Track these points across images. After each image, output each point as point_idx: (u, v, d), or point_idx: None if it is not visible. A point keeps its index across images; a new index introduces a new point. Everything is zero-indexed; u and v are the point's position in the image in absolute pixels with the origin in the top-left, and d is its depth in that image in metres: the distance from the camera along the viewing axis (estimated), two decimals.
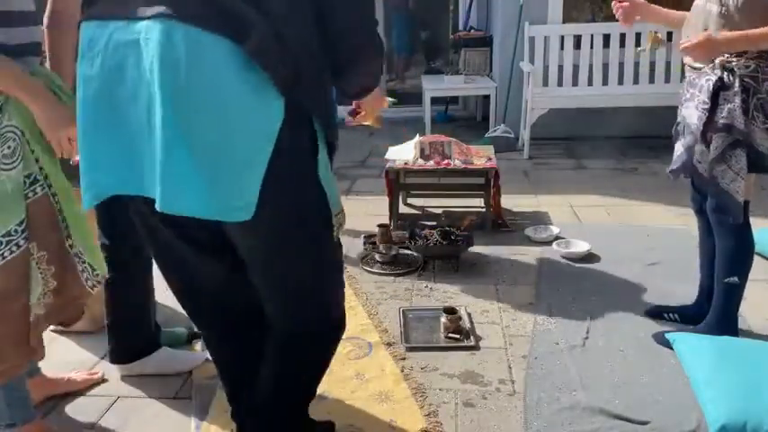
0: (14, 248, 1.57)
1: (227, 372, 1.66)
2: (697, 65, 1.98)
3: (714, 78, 1.92)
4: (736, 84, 1.89)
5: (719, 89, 1.92)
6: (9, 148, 1.54)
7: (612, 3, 2.23)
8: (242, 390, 1.62)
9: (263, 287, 1.43)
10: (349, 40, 1.29)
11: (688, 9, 2.10)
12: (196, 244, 1.40)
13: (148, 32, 1.11)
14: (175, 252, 1.44)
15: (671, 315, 2.37)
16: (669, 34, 4.80)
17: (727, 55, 1.88)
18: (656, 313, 2.40)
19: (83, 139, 1.27)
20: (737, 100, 1.89)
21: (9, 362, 1.65)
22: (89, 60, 1.20)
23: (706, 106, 1.95)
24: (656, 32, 2.13)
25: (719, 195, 1.98)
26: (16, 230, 1.57)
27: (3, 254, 1.56)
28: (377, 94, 1.59)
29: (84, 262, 1.72)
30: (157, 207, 1.17)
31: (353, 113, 1.78)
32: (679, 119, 2.14)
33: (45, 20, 1.76)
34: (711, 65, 1.92)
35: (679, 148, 2.13)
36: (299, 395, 1.59)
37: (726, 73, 1.90)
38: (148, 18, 1.11)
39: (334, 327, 1.52)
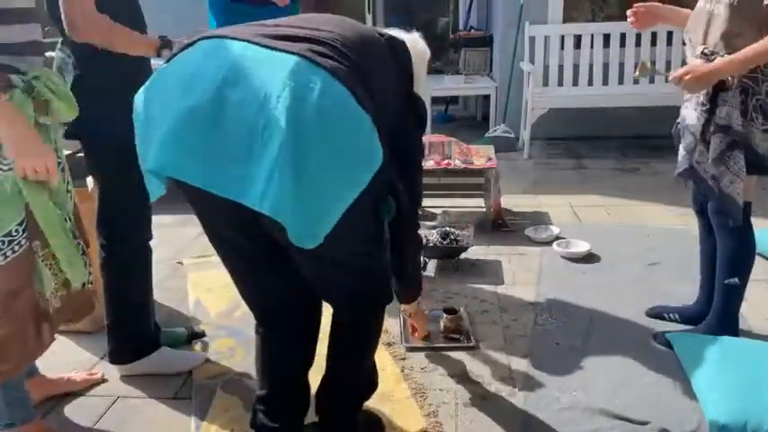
0: (16, 248, 1.58)
1: (277, 372, 1.70)
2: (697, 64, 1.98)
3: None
4: (735, 85, 1.88)
5: (718, 90, 1.91)
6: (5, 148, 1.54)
7: (629, 12, 2.21)
8: (290, 388, 1.71)
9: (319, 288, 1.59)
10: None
11: (690, 7, 2.10)
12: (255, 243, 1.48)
13: (287, 63, 1.24)
14: (237, 248, 1.53)
15: (671, 315, 2.37)
16: (669, 35, 4.81)
17: (727, 55, 1.88)
18: (657, 314, 2.40)
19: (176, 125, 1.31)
20: (736, 101, 1.89)
21: (13, 361, 1.65)
22: (205, 60, 1.31)
23: (705, 107, 1.95)
24: (643, 62, 2.14)
25: (719, 197, 1.98)
26: (17, 230, 1.57)
27: (5, 253, 1.56)
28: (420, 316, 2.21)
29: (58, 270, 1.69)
30: (259, 209, 1.24)
31: (411, 332, 2.30)
32: (679, 119, 2.14)
33: (74, 32, 1.76)
34: None
35: (681, 150, 2.13)
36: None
37: None
38: (288, 52, 1.26)
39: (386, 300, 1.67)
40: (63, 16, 1.75)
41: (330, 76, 1.24)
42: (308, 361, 1.73)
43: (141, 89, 1.40)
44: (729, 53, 1.87)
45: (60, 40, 1.89)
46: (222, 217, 1.44)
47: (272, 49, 1.28)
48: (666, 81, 2.02)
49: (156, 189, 1.39)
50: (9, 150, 1.53)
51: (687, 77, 1.88)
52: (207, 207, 1.45)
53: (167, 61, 1.40)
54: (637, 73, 2.16)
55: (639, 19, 2.19)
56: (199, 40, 1.37)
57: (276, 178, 1.20)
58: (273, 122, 1.20)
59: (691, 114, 2.02)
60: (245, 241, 1.48)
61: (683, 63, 2.12)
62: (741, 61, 1.82)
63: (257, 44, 1.29)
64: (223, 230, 1.51)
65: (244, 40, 1.31)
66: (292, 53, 1.26)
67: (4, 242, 1.55)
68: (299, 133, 1.19)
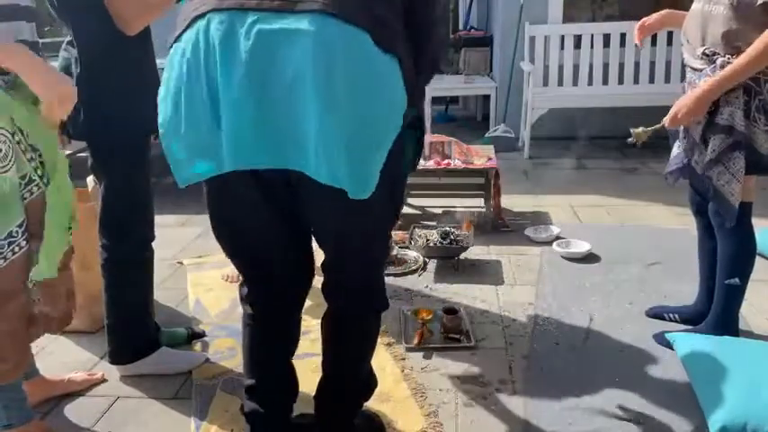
0: (17, 249, 1.58)
1: (266, 358, 1.70)
2: (698, 65, 1.97)
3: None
4: (738, 85, 1.88)
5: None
6: (0, 151, 1.53)
7: (636, 33, 2.25)
8: (278, 375, 1.71)
9: (331, 253, 1.56)
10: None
11: (685, 9, 2.10)
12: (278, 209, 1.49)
13: (300, 23, 1.22)
14: (255, 216, 1.51)
15: (671, 315, 2.37)
16: (669, 35, 4.81)
17: (728, 56, 1.88)
18: (656, 314, 2.40)
19: (195, 120, 1.30)
20: (739, 102, 1.88)
21: (11, 361, 1.65)
22: (225, 47, 1.25)
23: (707, 108, 1.93)
24: (637, 132, 2.15)
25: (714, 197, 1.98)
26: (17, 231, 1.57)
27: (5, 255, 1.56)
28: None
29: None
30: (318, 177, 1.28)
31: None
32: None
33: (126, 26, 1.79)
34: (712, 65, 1.91)
35: (675, 149, 2.13)
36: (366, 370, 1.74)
37: None
38: (299, 12, 1.23)
39: (383, 305, 1.68)
40: (114, 17, 1.77)
41: (346, 25, 1.24)
42: (294, 347, 1.75)
43: (171, 84, 1.34)
44: (730, 53, 1.87)
45: (66, 40, 1.89)
46: (250, 199, 1.45)
47: (283, 12, 1.25)
48: (665, 127, 2.03)
49: (191, 177, 1.38)
50: (35, 87, 1.51)
51: (681, 115, 1.92)
52: (235, 192, 1.45)
53: (178, 38, 1.33)
54: (632, 139, 2.17)
55: (646, 32, 2.24)
56: (209, 12, 1.29)
57: (322, 152, 1.25)
58: (308, 97, 1.22)
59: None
60: (268, 214, 1.49)
61: (683, 64, 2.12)
62: (726, 78, 1.84)
63: (268, 10, 1.25)
64: (250, 211, 1.49)
65: (256, 10, 1.26)
66: (304, 12, 1.24)
67: (4, 244, 1.55)
68: (332, 103, 1.22)
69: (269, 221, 1.49)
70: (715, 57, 1.90)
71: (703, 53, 1.93)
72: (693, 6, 2.02)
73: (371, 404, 1.94)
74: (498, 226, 3.37)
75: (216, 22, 1.25)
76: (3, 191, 1.54)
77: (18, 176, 1.57)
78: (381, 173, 1.32)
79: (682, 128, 2.09)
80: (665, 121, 1.98)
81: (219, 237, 1.56)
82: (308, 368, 2.13)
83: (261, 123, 1.27)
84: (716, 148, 1.92)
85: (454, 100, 6.68)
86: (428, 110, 5.43)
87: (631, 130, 2.17)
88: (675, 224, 3.34)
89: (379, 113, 1.29)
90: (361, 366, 1.71)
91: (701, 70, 1.96)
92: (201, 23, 1.27)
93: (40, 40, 1.81)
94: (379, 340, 2.29)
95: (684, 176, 2.13)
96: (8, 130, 1.55)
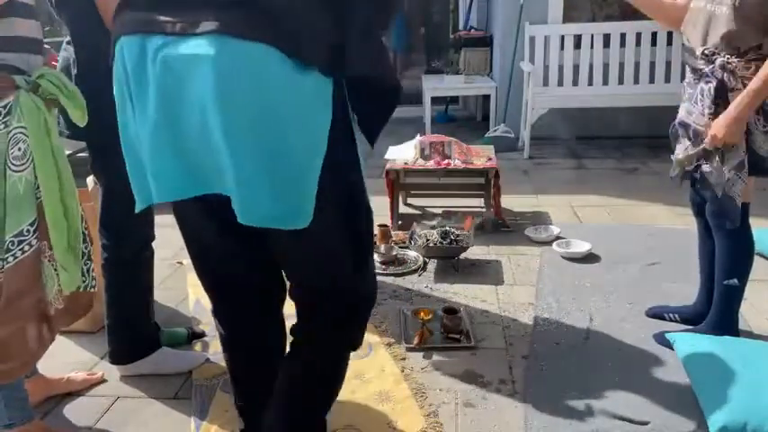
0: (26, 248, 1.58)
1: (241, 374, 1.62)
2: (698, 66, 1.97)
3: (714, 82, 1.90)
4: (740, 86, 1.88)
5: (722, 91, 1.90)
6: (20, 149, 1.55)
7: None
8: (254, 391, 1.61)
9: (296, 274, 1.45)
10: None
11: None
12: (234, 235, 1.39)
13: (200, 47, 1.11)
14: (215, 245, 1.47)
15: (671, 315, 2.37)
16: (669, 35, 4.81)
17: (727, 56, 1.88)
18: (656, 314, 2.40)
19: (132, 149, 1.28)
20: None
21: (17, 359, 1.65)
22: (137, 75, 1.19)
23: (711, 110, 1.92)
24: (682, 157, 2.09)
25: (719, 199, 1.97)
26: (28, 230, 1.58)
27: (14, 254, 1.56)
28: None
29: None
30: (239, 219, 1.19)
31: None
32: (678, 120, 2.12)
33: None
34: (711, 66, 1.91)
35: (680, 151, 2.09)
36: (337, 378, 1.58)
37: (727, 74, 1.89)
38: (200, 35, 1.12)
39: (369, 297, 1.50)
40: (102, 16, 1.77)
41: (250, 44, 1.11)
42: (275, 353, 1.61)
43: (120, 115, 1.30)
44: (730, 54, 1.87)
45: (66, 40, 1.89)
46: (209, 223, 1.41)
47: (185, 36, 1.13)
48: (707, 148, 1.98)
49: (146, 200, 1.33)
50: None
51: (721, 136, 1.87)
52: (195, 217, 1.42)
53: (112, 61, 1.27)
54: (676, 170, 2.13)
55: None
56: (122, 36, 1.21)
57: (243, 192, 1.17)
58: (217, 131, 1.14)
59: (696, 117, 1.98)
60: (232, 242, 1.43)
61: (683, 64, 2.11)
62: (756, 92, 1.81)
63: (172, 34, 1.14)
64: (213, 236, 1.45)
65: (162, 33, 1.15)
66: (204, 34, 1.12)
67: (14, 242, 1.56)
68: (239, 137, 1.13)
69: (225, 242, 1.43)
70: (714, 57, 1.90)
71: (703, 53, 1.93)
72: (693, 5, 2.01)
73: (372, 404, 1.94)
74: (498, 226, 3.37)
75: (127, 49, 1.19)
76: (17, 190, 1.54)
77: (34, 175, 1.58)
78: (322, 195, 1.22)
79: (684, 129, 2.07)
80: (706, 143, 1.94)
81: (189, 254, 1.53)
82: None
83: (179, 156, 1.21)
84: (727, 152, 1.92)
85: (454, 100, 6.68)
86: (428, 110, 5.45)
87: (673, 158, 2.14)
88: (675, 224, 3.34)
89: (294, 143, 1.17)
90: (318, 415, 1.54)
91: (700, 71, 1.96)
92: (118, 50, 1.21)
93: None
94: (378, 340, 2.31)
95: (687, 177, 2.12)
96: (28, 129, 1.56)
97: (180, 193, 1.27)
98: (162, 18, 1.16)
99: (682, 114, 2.08)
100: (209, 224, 1.41)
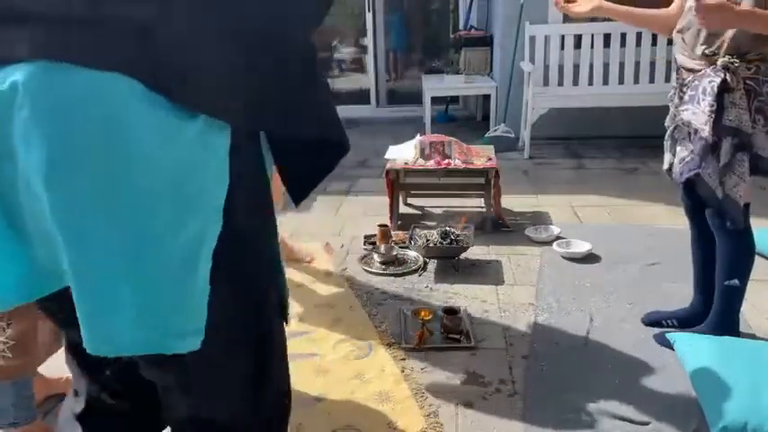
0: None
1: None
2: (695, 66, 1.96)
3: (718, 80, 1.88)
4: (741, 86, 1.87)
5: (723, 91, 1.89)
6: None
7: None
8: None
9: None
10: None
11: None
12: None
13: (15, 77, 0.77)
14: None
15: (669, 321, 2.35)
16: (669, 39, 4.80)
17: (728, 57, 1.87)
18: (654, 321, 2.36)
19: None
20: (744, 103, 1.87)
21: (32, 354, 1.67)
22: None
23: (712, 108, 1.89)
24: None
25: (720, 200, 1.96)
26: None
27: None
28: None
29: None
30: (87, 349, 0.84)
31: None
32: (675, 122, 2.07)
33: None
34: (713, 66, 1.90)
35: (681, 153, 2.05)
36: None
37: (729, 74, 1.87)
38: (18, 61, 0.78)
39: (284, 413, 1.17)
40: None
41: (89, 73, 0.76)
42: None
43: None
44: (731, 54, 1.87)
45: None
46: None
47: (2, 64, 0.79)
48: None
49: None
50: None
51: (708, 8, 1.79)
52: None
53: None
54: None
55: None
56: None
57: (86, 306, 0.82)
58: (43, 203, 0.79)
59: (698, 118, 1.94)
60: None
61: (678, 65, 2.11)
62: (759, 16, 1.77)
63: None
64: None
65: None
66: (21, 61, 0.77)
67: None
68: (76, 214, 0.78)
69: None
70: (715, 57, 1.89)
71: (703, 53, 1.93)
72: (688, 5, 2.00)
73: (372, 404, 1.94)
74: (498, 226, 3.37)
75: None
76: None
77: None
78: (219, 299, 0.88)
79: (685, 131, 2.04)
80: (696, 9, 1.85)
81: None
82: (309, 368, 2.14)
83: (14, 242, 0.87)
84: (726, 150, 1.91)
85: (454, 100, 6.67)
86: (428, 110, 5.45)
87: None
88: (675, 224, 3.33)
89: (166, 224, 0.81)
90: None
91: (699, 71, 1.95)
92: None
93: None
94: (378, 340, 2.31)
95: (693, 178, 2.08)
96: None
97: (24, 295, 0.92)
98: None
99: (685, 116, 2.01)
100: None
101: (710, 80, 1.90)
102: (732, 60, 1.87)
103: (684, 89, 2.02)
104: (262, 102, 0.89)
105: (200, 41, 0.83)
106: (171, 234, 0.82)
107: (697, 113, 1.96)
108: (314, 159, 1.01)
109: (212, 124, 0.84)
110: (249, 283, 0.97)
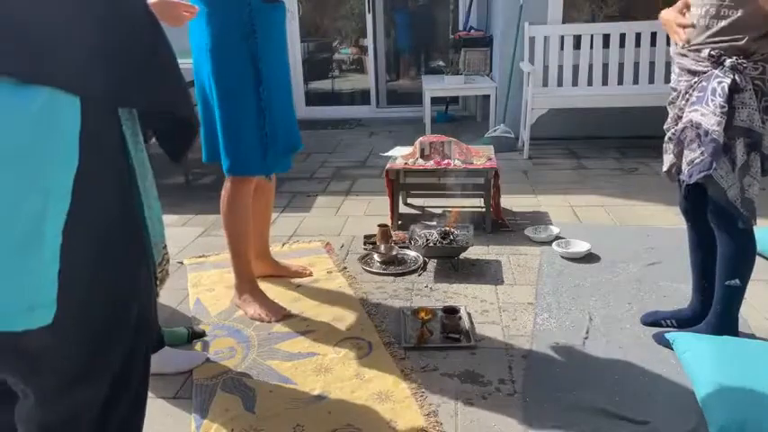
0: None
1: None
2: (700, 68, 1.95)
3: (728, 81, 1.86)
4: (750, 86, 1.86)
5: (733, 91, 1.87)
6: None
7: (676, 32, 2.05)
8: None
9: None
10: None
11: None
12: None
13: None
14: None
15: (668, 322, 2.35)
16: (668, 38, 4.81)
17: (735, 57, 1.87)
18: (653, 322, 2.36)
19: None
20: (754, 103, 1.86)
21: None
22: None
23: (723, 109, 1.87)
24: None
25: (737, 201, 1.94)
26: None
27: None
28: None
29: None
30: None
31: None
32: (684, 124, 2.03)
33: None
34: (720, 67, 1.90)
35: (689, 155, 2.01)
36: None
37: (737, 75, 1.86)
38: None
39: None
40: None
41: None
42: None
43: None
44: (737, 55, 1.87)
45: None
46: None
47: None
48: None
49: None
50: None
51: None
52: None
53: None
54: None
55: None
56: None
57: None
58: None
59: (708, 119, 1.91)
60: None
61: (679, 66, 2.11)
62: None
63: None
64: None
65: None
66: None
67: None
68: None
69: None
70: (723, 58, 1.89)
71: (709, 55, 1.92)
72: (693, 3, 2.00)
73: (372, 404, 1.94)
74: (498, 226, 3.37)
75: None
76: None
77: None
78: (70, 273, 0.87)
79: (695, 133, 2.01)
80: None
81: None
82: (309, 368, 2.14)
83: None
84: (741, 152, 1.90)
85: (454, 100, 6.68)
86: (428, 110, 5.45)
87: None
88: (675, 224, 3.34)
89: (8, 197, 0.82)
90: None
91: (704, 72, 1.95)
92: None
93: None
94: (378, 340, 2.31)
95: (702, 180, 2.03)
96: None
97: None
98: None
99: (694, 117, 1.97)
100: None
101: (720, 81, 1.88)
102: (740, 61, 1.87)
103: (691, 91, 2.00)
104: (110, 67, 0.92)
105: (54, 15, 0.86)
106: (9, 208, 0.82)
107: (707, 115, 1.92)
108: (176, 128, 1.06)
109: (58, 100, 0.84)
110: (102, 258, 0.96)
